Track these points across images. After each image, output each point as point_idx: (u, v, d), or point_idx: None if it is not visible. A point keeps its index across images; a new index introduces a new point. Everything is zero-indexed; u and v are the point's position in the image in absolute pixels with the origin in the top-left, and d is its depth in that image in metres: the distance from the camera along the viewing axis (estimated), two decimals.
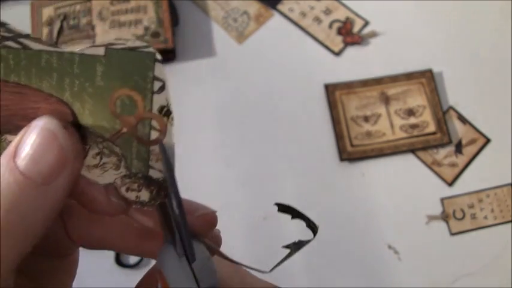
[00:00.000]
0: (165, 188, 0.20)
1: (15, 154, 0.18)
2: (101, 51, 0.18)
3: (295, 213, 0.23)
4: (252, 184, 0.67)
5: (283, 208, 0.23)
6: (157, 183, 0.20)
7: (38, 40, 0.18)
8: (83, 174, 0.20)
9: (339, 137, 0.68)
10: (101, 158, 0.20)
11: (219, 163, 0.68)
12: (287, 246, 0.23)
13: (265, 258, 0.63)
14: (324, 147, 0.68)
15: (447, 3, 0.75)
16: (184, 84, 0.72)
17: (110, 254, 0.62)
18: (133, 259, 0.61)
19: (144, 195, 0.20)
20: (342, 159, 0.67)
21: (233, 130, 0.70)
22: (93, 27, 0.71)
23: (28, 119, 0.19)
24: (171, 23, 0.71)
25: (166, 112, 0.19)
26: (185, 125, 0.70)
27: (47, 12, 0.72)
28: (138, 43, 0.18)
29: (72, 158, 0.19)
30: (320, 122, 0.69)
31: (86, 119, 0.19)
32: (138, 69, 0.18)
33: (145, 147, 0.19)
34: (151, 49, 0.18)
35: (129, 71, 0.18)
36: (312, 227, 0.23)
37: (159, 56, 0.18)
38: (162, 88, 0.19)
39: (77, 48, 0.19)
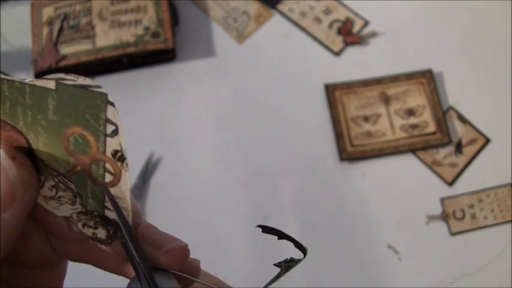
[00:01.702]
0: (118, 229, 0.20)
1: None
2: (51, 84, 0.18)
3: (281, 235, 0.23)
4: (252, 184, 0.67)
5: (269, 230, 0.23)
6: (114, 224, 0.20)
7: None
8: (41, 203, 0.20)
9: (339, 137, 0.68)
10: (57, 191, 0.20)
11: (219, 163, 0.68)
12: (278, 265, 0.22)
13: (265, 258, 0.63)
14: (324, 147, 0.68)
15: (447, 3, 0.75)
16: (184, 84, 0.72)
17: None
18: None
19: (101, 233, 0.20)
20: (342, 159, 0.67)
21: (233, 130, 0.70)
22: (93, 27, 0.71)
23: None
24: (171, 23, 0.71)
25: (120, 157, 0.18)
26: (185, 125, 0.70)
27: (47, 12, 0.72)
28: (88, 81, 0.18)
29: (22, 191, 0.19)
30: (320, 122, 0.69)
31: (41, 151, 0.19)
32: (90, 109, 0.18)
33: (99, 189, 0.19)
34: (103, 90, 0.18)
35: (81, 110, 0.18)
36: (301, 248, 0.22)
37: (111, 98, 0.18)
38: (115, 132, 0.18)
39: (27, 78, 0.18)
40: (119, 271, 0.23)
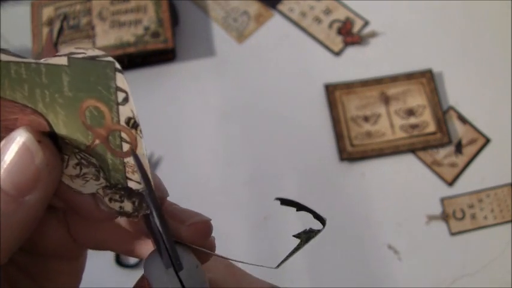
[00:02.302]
0: (143, 199, 0.20)
1: None
2: (64, 60, 0.18)
3: (299, 207, 0.23)
4: (252, 184, 0.67)
5: (286, 203, 0.23)
6: (139, 195, 0.20)
7: (4, 51, 0.19)
8: (67, 183, 0.20)
9: (339, 137, 0.68)
10: (81, 169, 0.20)
11: (220, 163, 0.68)
12: (297, 236, 0.22)
13: (266, 257, 0.63)
14: (324, 147, 0.68)
15: (447, 3, 0.75)
16: (184, 84, 0.72)
17: (110, 254, 0.62)
18: (133, 259, 0.61)
19: (127, 206, 0.20)
20: (342, 159, 0.67)
21: (233, 130, 0.70)
22: (93, 27, 0.71)
23: (8, 130, 0.19)
24: (171, 23, 0.71)
25: (133, 124, 0.19)
26: (185, 125, 0.70)
27: (47, 12, 0.72)
28: (97, 52, 0.18)
29: (46, 173, 0.19)
30: (320, 122, 0.69)
31: (61, 129, 0.19)
32: (101, 79, 0.18)
33: (119, 159, 0.19)
34: (110, 58, 0.18)
35: (93, 81, 0.18)
36: (319, 218, 0.23)
37: (118, 66, 0.18)
38: (126, 99, 0.18)
39: (43, 59, 0.19)
40: (137, 253, 0.23)
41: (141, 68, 0.72)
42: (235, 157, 0.68)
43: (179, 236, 0.21)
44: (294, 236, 0.22)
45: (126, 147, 0.19)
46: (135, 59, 0.71)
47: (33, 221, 0.19)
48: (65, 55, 0.18)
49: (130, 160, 0.19)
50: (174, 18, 0.73)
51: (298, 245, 0.22)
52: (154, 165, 0.67)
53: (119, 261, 0.62)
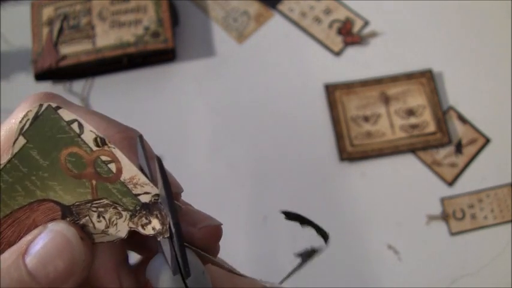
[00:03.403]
0: (162, 206, 0.20)
1: (25, 251, 0.18)
2: (22, 141, 0.19)
3: (304, 221, 0.23)
4: (252, 184, 0.67)
5: (291, 216, 0.23)
6: (155, 205, 0.20)
7: None
8: (106, 240, 0.20)
9: (339, 137, 0.68)
10: (104, 217, 0.20)
11: (219, 163, 0.68)
12: (299, 255, 0.22)
13: (266, 257, 0.63)
14: (324, 147, 0.68)
15: (447, 3, 0.75)
16: (184, 84, 0.72)
17: None
18: (133, 259, 0.61)
19: (155, 223, 0.20)
20: (342, 159, 0.67)
21: (233, 130, 0.70)
22: (93, 27, 0.71)
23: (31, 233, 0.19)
24: (171, 23, 0.71)
25: (101, 141, 0.19)
26: (185, 125, 0.70)
27: (47, 12, 0.72)
28: (35, 109, 0.19)
29: (80, 269, 0.19)
30: (320, 122, 0.69)
31: (66, 199, 0.20)
32: (54, 128, 0.19)
33: (118, 183, 0.20)
34: (45, 105, 0.19)
35: (51, 135, 0.19)
36: (323, 234, 0.22)
37: (54, 104, 0.19)
38: (81, 125, 0.19)
39: (4, 158, 0.20)
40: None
41: (141, 68, 0.72)
42: (235, 157, 0.68)
43: (190, 238, 0.21)
44: (295, 254, 0.22)
45: (113, 167, 0.20)
46: (135, 59, 0.71)
47: None
48: (19, 134, 0.19)
49: (125, 176, 0.20)
50: (174, 18, 0.73)
51: (300, 263, 0.22)
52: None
53: None
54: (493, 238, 0.64)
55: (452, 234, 0.64)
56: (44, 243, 0.18)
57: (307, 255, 0.23)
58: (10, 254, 0.18)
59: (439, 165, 0.67)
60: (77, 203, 0.20)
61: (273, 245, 0.63)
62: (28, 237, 0.19)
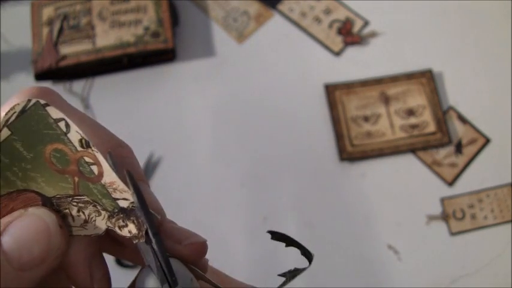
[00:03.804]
0: (138, 215, 0.20)
1: (3, 231, 0.18)
2: (6, 132, 0.19)
3: (289, 242, 0.23)
4: (252, 184, 0.67)
5: (278, 237, 0.23)
6: (132, 212, 0.20)
7: None
8: (83, 234, 0.21)
9: (339, 137, 0.68)
10: (83, 213, 0.20)
11: (219, 163, 0.68)
12: (282, 275, 0.23)
13: (265, 257, 0.63)
14: (324, 147, 0.68)
15: (447, 3, 0.75)
16: (184, 84, 0.72)
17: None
18: None
19: (132, 227, 0.20)
20: (342, 159, 0.67)
21: (233, 130, 0.70)
22: (93, 27, 0.71)
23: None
24: (171, 23, 0.71)
25: (86, 143, 0.20)
26: (185, 125, 0.70)
27: (47, 12, 0.72)
28: (23, 103, 0.19)
29: (54, 257, 0.19)
30: (320, 122, 0.69)
31: (48, 190, 0.20)
32: (41, 124, 0.19)
33: (99, 184, 0.20)
34: (33, 100, 0.19)
35: (37, 130, 0.19)
36: (307, 255, 0.23)
37: (43, 101, 0.19)
38: (68, 125, 0.19)
39: None
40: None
41: (141, 68, 0.72)
42: (235, 157, 0.68)
43: (176, 256, 0.21)
44: (278, 275, 0.22)
45: (95, 169, 0.20)
46: (135, 59, 0.71)
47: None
48: (4, 126, 0.19)
49: (106, 180, 0.20)
50: (174, 18, 0.73)
51: (283, 283, 0.22)
52: (154, 165, 0.67)
53: (119, 261, 0.62)
54: (493, 238, 0.64)
55: (452, 234, 0.64)
56: (21, 225, 0.18)
57: (291, 275, 0.23)
58: None
59: (439, 165, 0.67)
60: (58, 196, 0.20)
61: (272, 245, 0.63)
62: (7, 218, 0.19)
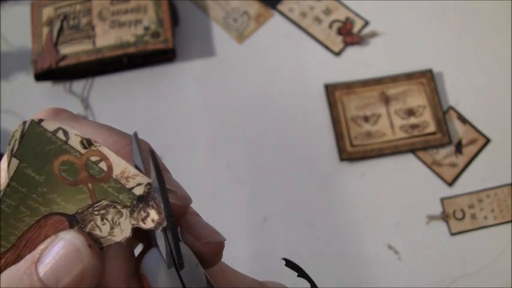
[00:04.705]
0: (154, 196, 0.21)
1: (38, 260, 0.19)
2: (15, 162, 0.20)
3: (301, 273, 0.23)
4: (252, 184, 0.67)
5: (291, 265, 0.24)
6: (149, 196, 0.20)
7: None
8: (113, 242, 0.21)
9: (339, 137, 0.68)
10: (107, 219, 0.21)
11: (219, 163, 0.68)
12: None
13: (266, 257, 0.63)
14: (324, 147, 0.68)
15: (447, 3, 0.75)
16: (184, 84, 0.72)
17: None
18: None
19: (153, 214, 0.20)
20: (342, 159, 0.67)
21: (233, 130, 0.70)
22: (93, 27, 0.71)
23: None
24: (171, 23, 0.71)
25: (87, 142, 0.20)
26: (185, 125, 0.70)
27: (47, 12, 0.72)
28: (20, 128, 0.20)
29: (90, 277, 0.19)
30: (320, 122, 0.69)
31: (69, 209, 0.20)
32: (42, 142, 0.20)
33: (112, 181, 0.20)
34: (28, 122, 0.20)
35: (41, 150, 0.20)
36: None
37: (36, 118, 0.20)
38: (65, 132, 0.20)
39: (3, 181, 0.20)
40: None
41: (141, 68, 0.72)
42: (235, 157, 0.68)
43: (194, 250, 0.21)
44: None
45: (103, 165, 0.20)
46: (135, 59, 0.71)
47: None
48: (10, 155, 0.20)
49: (117, 172, 0.20)
50: (174, 18, 0.73)
51: None
52: None
53: None
54: (493, 238, 0.64)
55: (452, 234, 0.64)
56: (55, 252, 0.19)
57: None
58: (25, 262, 0.19)
59: (439, 165, 0.67)
60: (79, 210, 0.21)
61: (273, 245, 0.63)
62: (41, 246, 0.19)
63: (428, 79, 0.70)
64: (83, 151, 0.20)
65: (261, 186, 0.67)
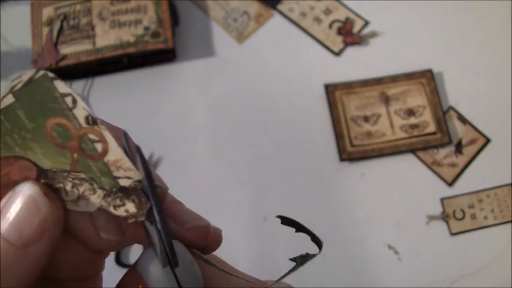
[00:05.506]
0: (143, 193, 0.20)
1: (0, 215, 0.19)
2: (10, 98, 0.19)
3: (298, 228, 0.23)
4: (252, 184, 0.67)
5: (287, 222, 0.23)
6: (134, 191, 0.20)
7: None
8: (74, 209, 0.21)
9: (339, 137, 0.68)
10: (77, 189, 0.20)
11: (219, 163, 0.68)
12: (293, 259, 0.23)
13: (266, 257, 0.63)
14: (324, 147, 0.68)
15: (447, 3, 0.75)
16: (184, 84, 0.72)
17: (110, 254, 0.62)
18: (133, 259, 0.61)
19: (130, 206, 0.20)
20: (342, 159, 0.67)
21: (233, 130, 0.70)
22: (93, 27, 0.71)
23: (5, 185, 0.20)
24: (171, 23, 0.71)
25: (92, 120, 0.19)
26: (185, 125, 0.70)
27: (47, 12, 0.72)
28: (30, 73, 0.19)
29: (52, 225, 0.19)
30: (320, 122, 0.69)
31: (44, 162, 0.20)
32: (46, 96, 0.19)
33: (100, 162, 0.20)
34: (41, 72, 0.19)
35: (41, 102, 0.19)
36: (317, 241, 0.23)
37: (51, 74, 0.19)
38: (75, 101, 0.19)
39: None
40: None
41: (141, 68, 0.72)
42: (235, 157, 0.68)
43: (178, 237, 0.21)
44: (290, 259, 0.22)
45: (99, 147, 0.19)
46: (135, 59, 0.71)
47: (38, 268, 0.19)
48: (9, 92, 0.19)
49: (109, 157, 0.20)
50: (174, 18, 0.73)
51: (293, 267, 0.22)
52: (154, 165, 0.67)
53: (119, 261, 0.62)
54: (493, 238, 0.64)
55: (452, 234, 0.64)
56: (12, 206, 0.19)
57: (302, 260, 0.23)
58: None
59: (439, 165, 0.67)
60: (54, 169, 0.20)
61: (273, 245, 0.63)
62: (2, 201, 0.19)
63: (428, 79, 0.70)
64: (84, 125, 0.19)
65: (261, 186, 0.67)
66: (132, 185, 0.20)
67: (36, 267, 0.19)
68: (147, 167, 0.19)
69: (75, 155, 0.20)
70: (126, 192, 0.20)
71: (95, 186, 0.20)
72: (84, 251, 0.22)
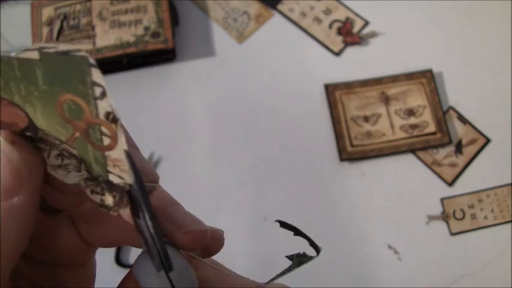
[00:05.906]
0: (127, 196, 0.20)
1: None
2: (35, 54, 0.18)
3: (296, 232, 0.23)
4: (252, 184, 0.67)
5: (285, 226, 0.23)
6: (120, 189, 0.20)
7: None
8: (50, 172, 0.20)
9: (339, 137, 0.68)
10: (62, 159, 0.20)
11: (219, 163, 0.68)
12: (290, 258, 0.22)
13: (266, 258, 0.63)
14: (324, 147, 0.68)
15: (447, 3, 0.75)
16: (184, 84, 0.72)
17: (110, 254, 0.62)
18: (133, 259, 0.61)
19: (108, 199, 0.20)
20: (342, 159, 0.67)
21: (233, 130, 0.70)
22: (93, 27, 0.71)
23: None
24: (171, 23, 0.71)
25: (113, 119, 0.18)
26: (185, 125, 0.70)
27: (47, 12, 0.72)
28: (69, 46, 0.18)
29: (27, 173, 0.19)
30: (320, 122, 0.69)
31: (40, 121, 0.19)
32: (75, 74, 0.18)
33: (100, 153, 0.19)
34: (83, 53, 0.18)
35: (67, 76, 0.18)
36: (315, 247, 0.22)
37: (92, 61, 0.18)
38: (104, 94, 0.18)
39: (13, 53, 0.19)
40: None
41: (141, 68, 0.72)
42: (235, 157, 0.68)
43: (174, 241, 0.20)
44: (286, 257, 0.22)
45: (106, 141, 0.19)
46: (135, 59, 0.71)
47: (27, 222, 0.19)
48: (36, 49, 0.18)
49: (111, 154, 0.19)
50: (174, 18, 0.73)
51: (289, 267, 0.22)
52: (154, 165, 0.67)
53: (119, 261, 0.62)
54: (493, 238, 0.64)
55: (452, 234, 0.64)
56: None
57: (298, 261, 0.23)
58: None
59: (439, 165, 0.67)
60: (47, 132, 0.19)
61: (273, 245, 0.63)
62: None
63: (428, 79, 0.70)
64: (101, 117, 0.18)
65: (261, 186, 0.67)
66: (121, 185, 0.19)
67: (26, 222, 0.18)
68: (138, 174, 0.19)
69: (77, 134, 0.19)
70: (110, 186, 0.20)
71: (82, 166, 0.20)
72: (75, 236, 0.22)
